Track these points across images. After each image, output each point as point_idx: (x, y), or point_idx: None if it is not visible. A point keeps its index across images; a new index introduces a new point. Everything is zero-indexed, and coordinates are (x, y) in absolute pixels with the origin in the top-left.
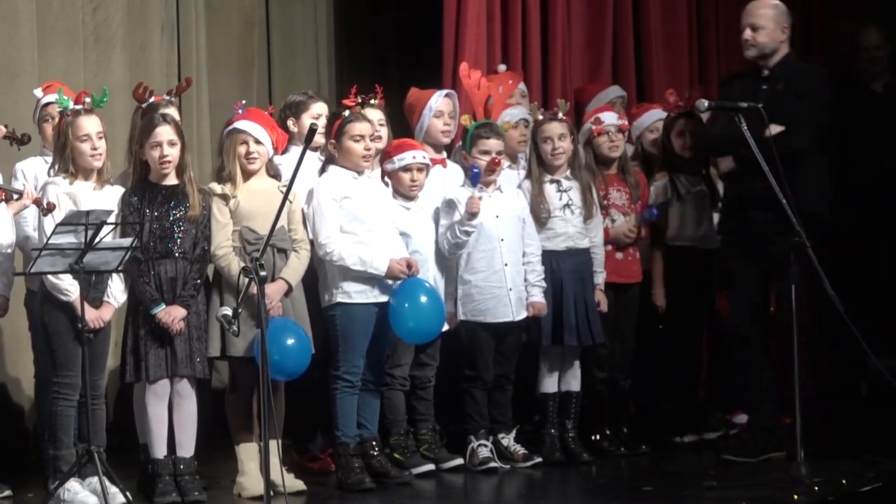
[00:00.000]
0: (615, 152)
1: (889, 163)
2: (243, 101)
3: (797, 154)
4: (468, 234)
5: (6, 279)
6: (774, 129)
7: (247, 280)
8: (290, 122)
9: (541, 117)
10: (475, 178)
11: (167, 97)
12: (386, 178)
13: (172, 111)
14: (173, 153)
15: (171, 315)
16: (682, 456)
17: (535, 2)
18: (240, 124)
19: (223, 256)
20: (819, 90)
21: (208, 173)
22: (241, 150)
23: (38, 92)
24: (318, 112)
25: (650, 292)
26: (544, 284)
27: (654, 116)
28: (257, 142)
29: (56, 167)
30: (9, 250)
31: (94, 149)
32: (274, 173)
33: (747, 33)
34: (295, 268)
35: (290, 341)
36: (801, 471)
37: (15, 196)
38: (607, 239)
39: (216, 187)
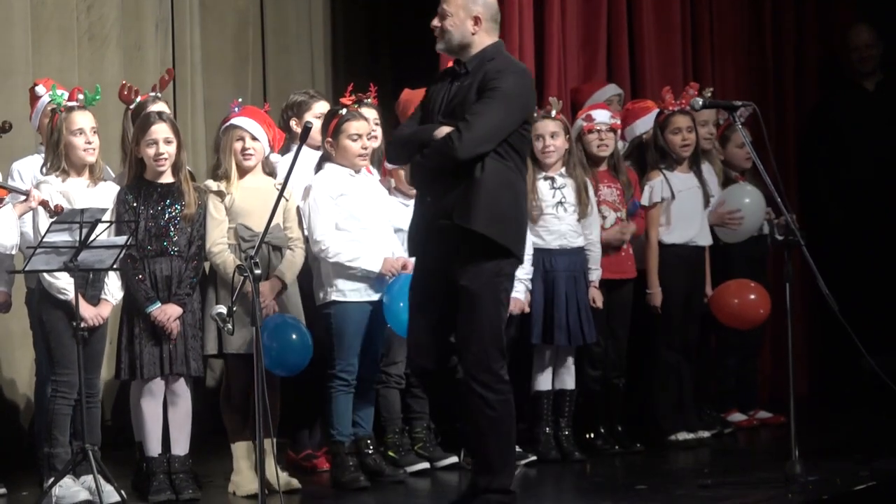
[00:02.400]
0: (604, 151)
1: (882, 161)
2: (239, 99)
3: (453, 163)
4: None
5: (8, 277)
6: (442, 130)
7: (241, 278)
8: (293, 122)
9: (534, 115)
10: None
11: (153, 94)
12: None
13: (161, 106)
14: (169, 151)
15: (167, 313)
16: (677, 454)
17: (529, 2)
18: (236, 121)
19: (219, 254)
20: (508, 95)
21: (203, 171)
22: (237, 146)
23: (41, 88)
24: (320, 111)
25: (645, 291)
26: (529, 284)
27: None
28: (253, 138)
29: (48, 164)
30: (13, 251)
31: (88, 143)
32: (270, 171)
33: (434, 21)
34: (290, 265)
35: (293, 336)
36: (795, 469)
37: (21, 197)
38: (602, 240)
39: (212, 184)
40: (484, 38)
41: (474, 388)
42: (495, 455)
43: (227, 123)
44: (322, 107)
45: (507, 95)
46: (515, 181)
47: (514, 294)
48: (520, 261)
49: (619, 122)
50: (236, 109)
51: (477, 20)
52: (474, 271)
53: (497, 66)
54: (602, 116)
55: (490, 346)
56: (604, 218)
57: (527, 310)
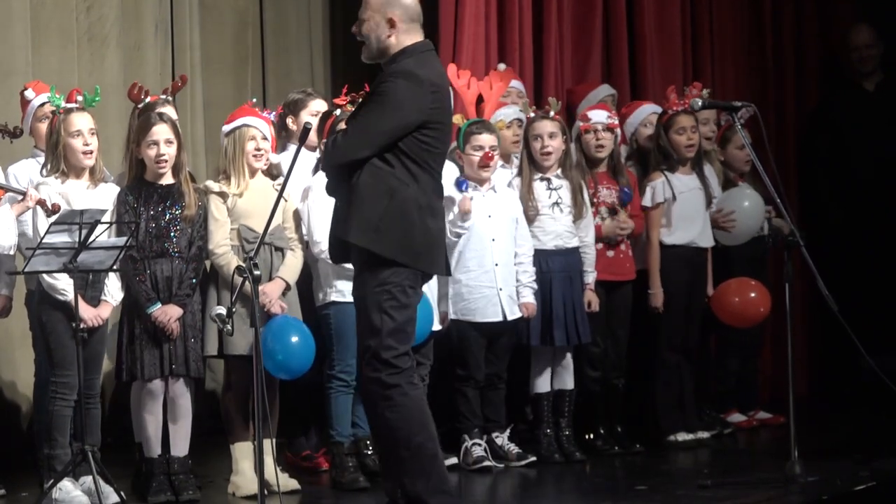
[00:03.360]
0: (601, 152)
1: (882, 161)
2: (254, 99)
3: (332, 169)
4: (459, 235)
5: (9, 279)
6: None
7: (241, 279)
8: (289, 120)
9: (532, 115)
10: (460, 185)
11: (164, 96)
12: None
13: (169, 110)
14: (170, 152)
15: (167, 314)
16: (676, 455)
17: (528, 1)
18: (249, 120)
19: (222, 255)
20: (392, 98)
21: (202, 172)
22: (250, 146)
23: (30, 93)
24: (316, 109)
25: (646, 291)
26: (535, 286)
27: (646, 111)
28: (264, 138)
29: (48, 167)
30: (11, 251)
31: (86, 145)
32: (277, 172)
33: (353, 28)
34: (292, 266)
35: (295, 339)
36: (795, 469)
37: (19, 197)
38: (599, 236)
39: (213, 185)
40: (403, 40)
41: (367, 394)
42: (396, 461)
43: (237, 122)
44: (318, 105)
45: (389, 99)
46: (398, 189)
47: (523, 298)
48: (413, 270)
49: (616, 122)
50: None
51: (391, 22)
52: (360, 281)
53: (392, 69)
54: (598, 116)
55: (372, 359)
56: (602, 220)
57: (535, 313)
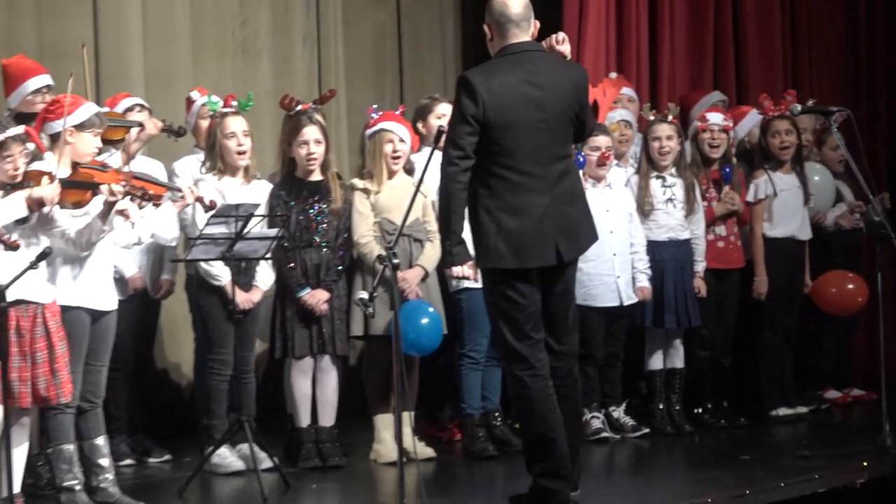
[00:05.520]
0: (715, 152)
1: None
2: (375, 105)
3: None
4: None
5: (172, 265)
6: None
7: (382, 267)
8: (419, 125)
9: (652, 118)
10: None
11: (314, 105)
12: None
13: (318, 116)
14: (319, 151)
15: (316, 297)
16: (778, 428)
17: (644, 14)
18: (386, 125)
19: (365, 244)
20: (453, 110)
21: (346, 170)
22: (388, 148)
23: (196, 94)
24: (442, 112)
25: (750, 279)
26: (650, 272)
27: (753, 120)
28: (402, 140)
29: (207, 164)
30: (173, 244)
31: (240, 146)
32: (409, 168)
33: None
34: (430, 255)
35: (424, 321)
36: (886, 442)
37: (179, 195)
38: (713, 218)
39: (358, 183)
40: (496, 46)
41: None
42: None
43: (377, 127)
44: (444, 108)
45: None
46: (477, 192)
47: (639, 283)
48: (503, 272)
49: (731, 124)
50: (374, 115)
51: (489, 30)
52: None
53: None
54: (715, 118)
55: (502, 352)
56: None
57: (650, 297)
